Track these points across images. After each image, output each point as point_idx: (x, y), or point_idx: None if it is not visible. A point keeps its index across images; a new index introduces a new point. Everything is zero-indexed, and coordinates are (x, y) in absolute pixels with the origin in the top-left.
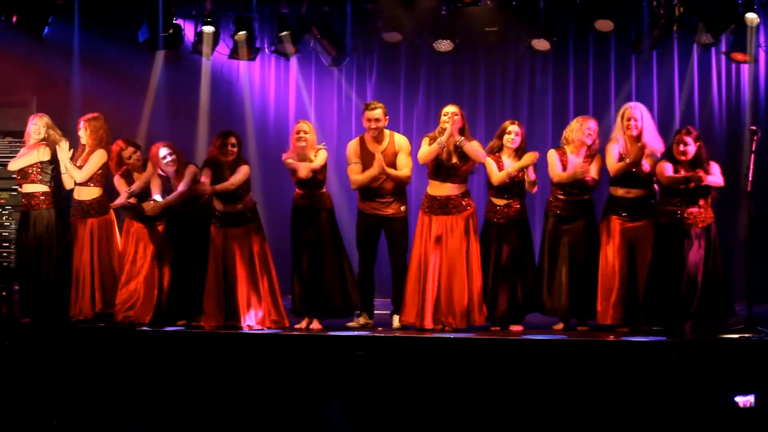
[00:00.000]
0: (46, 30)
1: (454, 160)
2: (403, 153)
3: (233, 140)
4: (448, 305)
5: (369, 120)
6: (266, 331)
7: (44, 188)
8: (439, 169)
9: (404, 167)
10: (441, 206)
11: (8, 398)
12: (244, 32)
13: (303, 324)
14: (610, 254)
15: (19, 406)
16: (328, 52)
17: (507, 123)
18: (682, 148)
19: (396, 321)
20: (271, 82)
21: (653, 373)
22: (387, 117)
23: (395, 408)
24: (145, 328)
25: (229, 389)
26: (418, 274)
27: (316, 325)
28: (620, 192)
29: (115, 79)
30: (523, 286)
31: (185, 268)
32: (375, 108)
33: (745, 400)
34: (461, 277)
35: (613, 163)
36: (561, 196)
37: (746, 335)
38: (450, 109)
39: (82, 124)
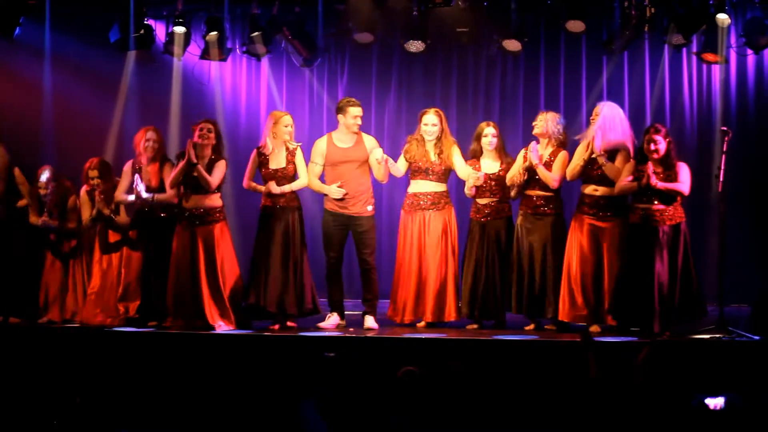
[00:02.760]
0: (17, 31)
1: (433, 159)
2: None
3: (209, 126)
4: (424, 300)
5: (355, 116)
6: (240, 332)
7: None
8: (415, 166)
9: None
10: (419, 204)
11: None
12: (216, 33)
13: (276, 326)
14: (577, 252)
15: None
16: (299, 53)
17: (483, 125)
18: (653, 147)
19: (369, 321)
20: (242, 82)
21: (623, 373)
22: None
23: (371, 406)
24: (117, 329)
25: (204, 391)
26: (400, 272)
27: (287, 324)
28: (588, 190)
29: (86, 79)
30: (505, 285)
31: (156, 269)
32: (359, 105)
33: (715, 402)
34: (437, 274)
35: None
36: (539, 192)
37: (717, 336)
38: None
39: None
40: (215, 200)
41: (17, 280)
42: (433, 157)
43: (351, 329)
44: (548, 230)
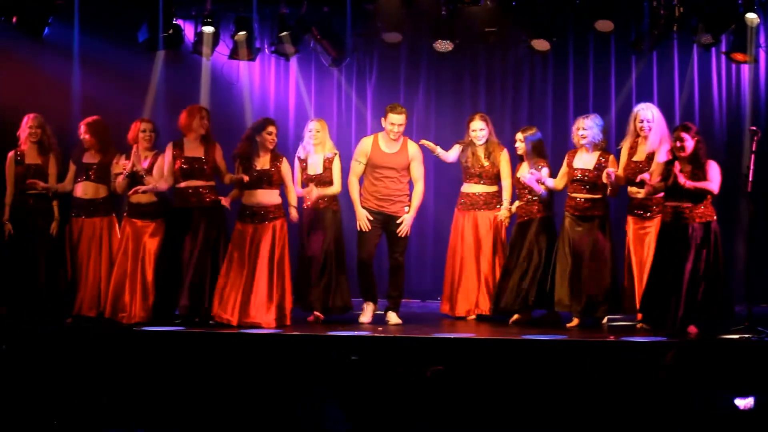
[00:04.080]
0: (46, 31)
1: (485, 164)
2: (417, 162)
3: (275, 130)
4: (473, 294)
5: (392, 123)
6: (266, 331)
7: None
8: (469, 171)
9: (419, 179)
10: (472, 203)
11: (7, 399)
12: (244, 32)
13: (312, 318)
14: (626, 251)
15: (18, 407)
16: (328, 53)
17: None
18: (678, 144)
19: (392, 317)
20: (271, 82)
21: (651, 373)
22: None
23: (395, 408)
24: (146, 328)
25: (229, 390)
26: (453, 267)
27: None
28: (632, 191)
29: (115, 79)
30: (542, 282)
31: (203, 265)
32: (401, 113)
33: (745, 403)
34: (486, 269)
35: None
36: (574, 195)
37: (746, 336)
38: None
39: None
40: (276, 197)
41: (42, 278)
42: (484, 162)
43: (380, 328)
44: (594, 232)
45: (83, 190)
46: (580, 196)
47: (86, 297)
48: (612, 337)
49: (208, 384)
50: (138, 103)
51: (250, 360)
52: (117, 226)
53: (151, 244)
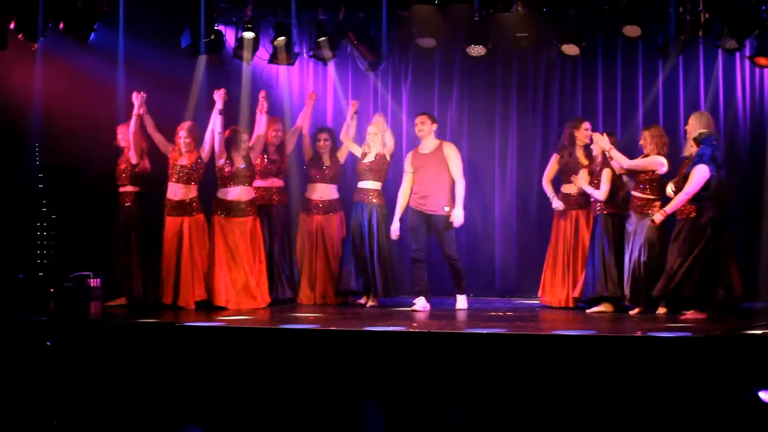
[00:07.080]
0: (92, 36)
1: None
2: (452, 161)
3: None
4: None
5: (416, 124)
6: (303, 326)
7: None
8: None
9: (458, 178)
10: (565, 201)
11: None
12: (284, 38)
13: (364, 300)
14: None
15: (49, 406)
16: (364, 57)
17: None
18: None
19: (461, 301)
20: (309, 86)
21: (678, 368)
22: (433, 124)
23: (429, 401)
24: (189, 323)
25: (266, 385)
26: (555, 262)
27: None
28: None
29: (158, 83)
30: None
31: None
32: (420, 114)
33: None
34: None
35: None
36: (637, 194)
37: None
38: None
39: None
40: (336, 192)
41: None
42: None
43: (414, 324)
44: (651, 229)
45: (174, 191)
46: (639, 194)
47: (184, 289)
48: (639, 333)
49: (247, 380)
50: (181, 107)
51: (288, 355)
52: (207, 224)
53: (256, 238)
